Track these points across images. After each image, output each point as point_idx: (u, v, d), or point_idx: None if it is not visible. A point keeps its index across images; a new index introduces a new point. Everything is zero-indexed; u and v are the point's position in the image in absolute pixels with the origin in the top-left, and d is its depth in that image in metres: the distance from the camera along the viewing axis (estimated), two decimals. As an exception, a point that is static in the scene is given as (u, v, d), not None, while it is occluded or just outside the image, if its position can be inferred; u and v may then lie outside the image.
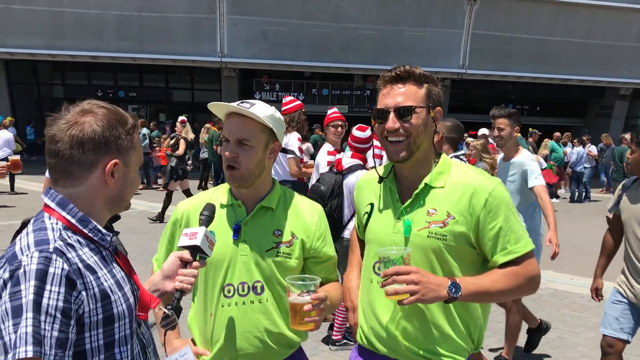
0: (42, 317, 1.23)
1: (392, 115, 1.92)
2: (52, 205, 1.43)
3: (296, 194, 2.22)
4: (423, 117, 1.93)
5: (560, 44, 22.80)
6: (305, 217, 2.13)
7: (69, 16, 20.57)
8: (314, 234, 2.12)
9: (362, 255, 2.25)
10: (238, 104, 2.00)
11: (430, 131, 1.98)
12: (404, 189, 2.04)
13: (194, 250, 1.75)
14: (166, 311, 1.67)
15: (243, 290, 2.03)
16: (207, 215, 1.86)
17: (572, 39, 22.67)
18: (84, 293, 1.32)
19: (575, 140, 17.33)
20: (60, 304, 1.26)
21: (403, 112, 1.91)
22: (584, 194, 16.66)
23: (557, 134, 17.58)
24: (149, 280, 1.77)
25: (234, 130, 2.00)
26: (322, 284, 2.24)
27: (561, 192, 17.56)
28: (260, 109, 2.01)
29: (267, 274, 2.04)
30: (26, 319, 1.21)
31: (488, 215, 1.89)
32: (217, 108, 2.06)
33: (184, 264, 1.74)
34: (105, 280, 1.40)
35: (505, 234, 1.90)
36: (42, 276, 1.26)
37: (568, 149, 17.32)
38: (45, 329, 1.22)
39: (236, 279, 2.03)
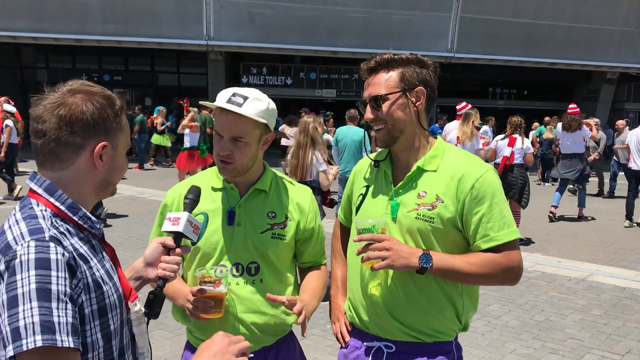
0: (54, 304, 1.17)
1: (368, 106, 2.02)
2: (39, 191, 1.36)
3: (285, 178, 2.22)
4: (398, 101, 1.96)
5: (549, 28, 22.78)
6: (297, 198, 2.16)
7: (53, -2, 20.19)
8: (308, 215, 2.16)
9: (343, 243, 2.33)
10: (230, 97, 1.95)
11: (412, 113, 1.98)
12: (398, 172, 2.07)
13: (178, 236, 1.68)
14: (151, 297, 1.59)
15: (237, 271, 2.03)
16: (192, 199, 1.79)
17: (560, 22, 22.66)
18: (81, 282, 1.27)
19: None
20: (68, 289, 1.21)
21: (375, 102, 1.98)
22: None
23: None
24: (131, 267, 1.69)
25: (227, 128, 1.98)
26: (310, 268, 2.25)
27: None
28: (253, 106, 1.96)
29: (261, 255, 2.04)
30: (31, 308, 1.15)
31: (473, 200, 1.91)
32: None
33: (167, 250, 1.66)
34: (97, 270, 1.34)
35: (489, 221, 1.91)
36: (44, 264, 1.19)
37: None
38: (59, 315, 1.17)
39: (230, 261, 2.03)
